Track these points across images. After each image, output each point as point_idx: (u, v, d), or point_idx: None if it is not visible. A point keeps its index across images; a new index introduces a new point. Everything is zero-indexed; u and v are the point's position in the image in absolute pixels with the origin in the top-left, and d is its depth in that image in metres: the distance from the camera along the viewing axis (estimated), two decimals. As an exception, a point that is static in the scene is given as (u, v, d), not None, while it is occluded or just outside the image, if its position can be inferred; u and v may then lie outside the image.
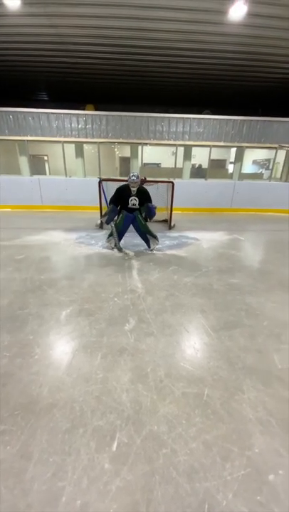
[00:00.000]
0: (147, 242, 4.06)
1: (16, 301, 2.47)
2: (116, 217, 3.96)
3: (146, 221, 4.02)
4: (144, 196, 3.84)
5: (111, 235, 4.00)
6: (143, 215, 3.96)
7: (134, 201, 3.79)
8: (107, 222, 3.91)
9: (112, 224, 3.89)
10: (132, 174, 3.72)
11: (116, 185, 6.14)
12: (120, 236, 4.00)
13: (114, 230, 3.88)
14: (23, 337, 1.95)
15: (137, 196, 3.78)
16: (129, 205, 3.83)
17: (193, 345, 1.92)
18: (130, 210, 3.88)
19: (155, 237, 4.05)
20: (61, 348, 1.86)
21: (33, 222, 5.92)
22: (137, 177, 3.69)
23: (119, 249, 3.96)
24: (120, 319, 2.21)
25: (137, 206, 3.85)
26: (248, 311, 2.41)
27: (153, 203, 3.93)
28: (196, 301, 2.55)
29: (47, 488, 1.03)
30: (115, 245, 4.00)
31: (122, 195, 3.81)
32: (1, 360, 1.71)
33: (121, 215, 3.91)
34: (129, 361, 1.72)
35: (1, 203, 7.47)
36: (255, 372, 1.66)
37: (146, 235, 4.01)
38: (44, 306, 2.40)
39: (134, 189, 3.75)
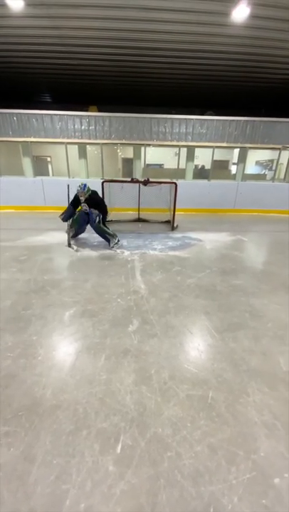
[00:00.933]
0: (108, 240, 4.37)
1: (20, 302, 2.47)
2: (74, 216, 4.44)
3: (102, 223, 4.41)
4: (92, 202, 4.34)
5: (71, 226, 4.45)
6: (97, 218, 4.36)
7: (84, 207, 4.36)
8: (64, 220, 4.36)
9: (68, 222, 4.35)
10: (78, 185, 4.24)
11: (118, 186, 6.19)
12: (78, 232, 4.62)
13: (68, 224, 4.35)
14: (27, 338, 1.95)
15: (86, 203, 4.32)
16: (82, 209, 4.44)
17: (197, 346, 1.91)
18: (84, 212, 4.44)
19: (112, 235, 4.42)
20: (64, 349, 1.85)
21: (36, 223, 5.94)
22: (83, 188, 4.21)
23: (69, 245, 4.24)
24: (123, 320, 2.20)
25: (88, 210, 4.35)
26: (251, 312, 2.39)
27: (91, 211, 4.35)
28: (200, 303, 2.54)
29: (50, 491, 1.02)
30: (71, 236, 4.43)
31: (76, 200, 4.37)
32: (5, 361, 1.71)
33: (77, 213, 4.43)
34: (132, 363, 1.72)
35: (4, 204, 7.51)
36: (260, 374, 1.64)
37: (105, 235, 4.38)
38: (47, 306, 2.40)
39: (82, 198, 4.26)
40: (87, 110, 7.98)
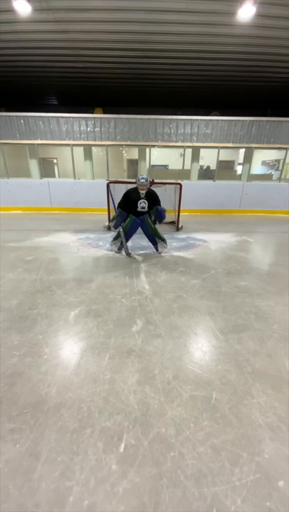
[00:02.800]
0: (155, 245, 4.01)
1: (26, 302, 2.51)
2: (123, 222, 3.88)
3: (155, 224, 3.98)
4: (153, 199, 3.78)
5: (116, 238, 3.97)
6: (152, 218, 3.89)
7: (143, 204, 3.72)
8: (116, 227, 3.85)
9: (120, 228, 3.84)
10: (140, 176, 3.64)
11: (124, 187, 6.24)
12: (127, 239, 3.93)
13: (122, 234, 3.83)
14: (33, 337, 1.98)
15: (146, 199, 3.72)
16: (138, 209, 3.75)
17: (201, 347, 1.90)
18: (139, 213, 3.81)
19: (164, 240, 4.01)
20: (69, 348, 1.87)
21: (42, 224, 6.02)
22: (146, 179, 3.62)
23: (128, 254, 3.89)
24: (128, 320, 2.22)
25: (146, 209, 3.78)
26: (257, 314, 2.37)
27: (162, 206, 3.88)
28: (204, 304, 2.53)
29: (55, 487, 1.04)
30: (119, 249, 3.97)
31: (130, 198, 3.74)
32: (11, 359, 1.74)
33: (128, 219, 3.82)
34: (136, 363, 1.72)
35: (11, 205, 7.64)
36: (264, 376, 1.63)
37: (155, 238, 3.95)
38: (53, 306, 2.43)
39: (143, 192, 3.67)
40: (92, 112, 8.07)
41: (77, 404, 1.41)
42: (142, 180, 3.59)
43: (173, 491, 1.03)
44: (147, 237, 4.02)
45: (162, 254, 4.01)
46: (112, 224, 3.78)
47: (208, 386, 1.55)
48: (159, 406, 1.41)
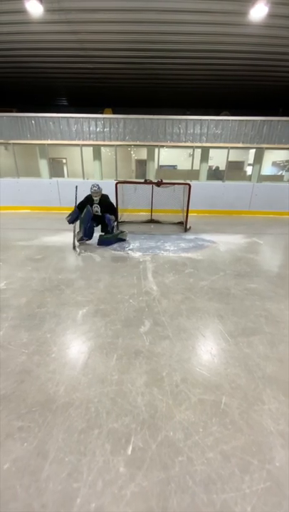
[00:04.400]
0: (122, 240, 4.60)
1: (35, 300, 2.53)
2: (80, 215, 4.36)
3: (111, 232, 4.54)
4: (105, 205, 4.43)
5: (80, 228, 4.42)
6: (114, 224, 4.52)
7: (96, 208, 4.39)
8: (70, 222, 4.30)
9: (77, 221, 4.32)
10: (92, 185, 4.31)
11: (132, 187, 6.24)
12: (87, 230, 4.38)
13: (80, 222, 4.30)
14: (41, 335, 1.99)
15: (98, 204, 4.39)
16: (93, 212, 4.40)
17: (209, 350, 1.87)
18: (96, 216, 4.43)
19: (122, 232, 4.71)
20: (77, 347, 1.88)
21: (51, 224, 6.08)
22: (98, 187, 4.29)
23: (74, 245, 4.21)
24: (135, 321, 2.20)
25: (100, 213, 4.41)
26: (267, 317, 2.32)
27: (108, 215, 4.39)
28: (213, 306, 2.49)
29: (62, 488, 1.03)
30: (79, 240, 4.39)
31: (87, 202, 4.37)
32: (20, 357, 1.75)
33: (85, 209, 4.28)
34: (144, 364, 1.71)
35: (21, 205, 7.75)
36: (275, 382, 1.59)
37: (118, 238, 4.57)
38: (61, 305, 2.44)
39: (96, 198, 4.36)
40: (102, 113, 8.09)
41: (85, 404, 1.40)
42: (94, 189, 4.30)
43: (181, 496, 1.02)
44: (114, 243, 4.49)
45: (170, 255, 3.98)
46: (67, 219, 4.29)
47: (218, 390, 1.52)
48: (167, 409, 1.39)
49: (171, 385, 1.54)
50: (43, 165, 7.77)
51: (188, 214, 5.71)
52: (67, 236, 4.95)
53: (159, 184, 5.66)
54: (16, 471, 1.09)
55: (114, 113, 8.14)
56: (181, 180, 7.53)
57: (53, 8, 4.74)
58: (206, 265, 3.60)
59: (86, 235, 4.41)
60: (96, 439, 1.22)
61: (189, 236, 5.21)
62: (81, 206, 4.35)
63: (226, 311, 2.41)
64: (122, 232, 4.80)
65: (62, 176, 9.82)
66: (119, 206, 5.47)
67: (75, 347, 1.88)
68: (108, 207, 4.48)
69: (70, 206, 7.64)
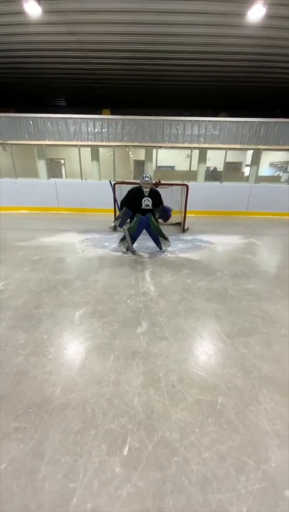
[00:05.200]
0: (158, 244, 4.09)
1: (32, 301, 2.53)
2: (129, 221, 3.96)
3: (159, 223, 4.05)
4: (157, 197, 3.90)
5: (123, 238, 4.03)
6: (156, 216, 3.98)
7: (147, 202, 3.81)
8: (120, 226, 3.92)
9: (125, 227, 3.90)
10: (145, 175, 3.77)
11: (130, 188, 6.24)
12: (134, 239, 4.01)
13: (126, 233, 3.90)
14: (38, 336, 1.99)
15: (149, 197, 3.83)
16: (143, 206, 3.85)
17: (206, 351, 1.88)
18: (143, 211, 3.89)
19: (166, 239, 4.10)
20: (74, 348, 1.88)
21: (49, 224, 6.07)
22: (150, 178, 3.74)
23: (133, 252, 3.97)
24: (133, 322, 2.21)
25: (150, 207, 3.87)
26: (264, 318, 2.33)
27: (166, 205, 3.96)
28: (210, 306, 2.50)
29: (58, 488, 1.03)
30: (128, 249, 4.01)
31: (134, 196, 3.84)
32: (17, 358, 1.75)
33: (135, 218, 3.89)
34: (141, 365, 1.71)
35: (19, 205, 7.73)
36: (272, 382, 1.60)
37: (158, 237, 4.03)
38: (58, 306, 2.44)
39: (146, 190, 3.78)
40: (100, 113, 8.10)
41: (81, 405, 1.40)
42: (147, 179, 3.72)
43: (177, 496, 1.02)
44: (151, 235, 4.07)
45: (168, 255, 3.99)
46: (116, 223, 3.87)
47: (214, 390, 1.53)
48: (164, 409, 1.39)
49: (168, 386, 1.55)
50: (41, 165, 7.76)
51: (186, 215, 5.73)
52: (65, 236, 4.95)
53: (157, 185, 5.66)
54: (12, 472, 1.09)
55: (112, 114, 8.15)
56: (179, 181, 7.57)
57: (51, 10, 4.75)
58: (204, 266, 3.62)
59: (135, 238, 4.01)
60: (92, 439, 1.22)
61: (187, 237, 5.23)
62: (130, 203, 3.80)
63: (223, 311, 2.42)
64: (167, 238, 4.09)
65: (61, 176, 9.81)
66: (117, 207, 5.47)
67: (72, 348, 1.88)
68: (159, 199, 3.91)
69: (68, 206, 7.69)
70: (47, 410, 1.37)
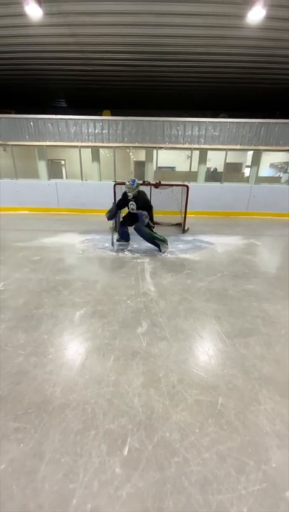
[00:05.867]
0: (158, 246, 4.18)
1: (32, 301, 2.53)
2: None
3: (150, 228, 4.19)
4: (140, 201, 4.10)
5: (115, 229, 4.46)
6: (146, 220, 4.11)
7: (132, 206, 4.12)
8: (109, 219, 4.24)
9: (112, 222, 4.34)
10: (127, 181, 4.05)
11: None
12: (123, 234, 4.40)
13: (113, 227, 4.36)
14: (38, 336, 1.99)
15: (134, 201, 4.08)
16: (130, 210, 4.20)
17: (206, 351, 1.88)
18: (131, 213, 4.21)
19: (164, 240, 4.17)
20: (74, 348, 1.88)
21: (49, 225, 6.07)
22: (133, 183, 3.98)
23: (113, 242, 4.26)
24: (133, 322, 2.21)
25: (135, 211, 4.11)
26: (264, 318, 2.33)
27: (139, 211, 4.11)
28: (210, 307, 2.50)
29: (58, 489, 1.03)
30: (118, 240, 4.33)
31: (123, 200, 4.16)
32: (17, 358, 1.75)
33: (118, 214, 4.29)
34: (141, 365, 1.71)
35: (19, 206, 7.74)
36: (272, 382, 1.60)
37: (154, 241, 4.15)
38: (59, 306, 2.44)
39: (130, 194, 4.05)
40: (100, 114, 8.12)
41: (81, 405, 1.40)
42: (128, 184, 4.02)
43: (177, 497, 1.02)
44: (147, 241, 4.21)
45: (168, 256, 3.99)
46: (107, 215, 4.22)
47: (214, 391, 1.52)
48: (164, 410, 1.39)
49: (168, 386, 1.55)
50: (42, 166, 7.77)
51: (187, 215, 5.73)
52: (65, 237, 4.96)
53: (157, 185, 5.68)
54: (12, 472, 1.09)
55: (112, 115, 8.18)
56: (179, 181, 7.57)
57: (52, 12, 4.77)
58: (204, 266, 3.61)
59: (122, 237, 4.53)
60: (92, 440, 1.22)
61: (187, 237, 5.23)
62: (119, 204, 4.21)
63: (223, 312, 2.42)
64: (164, 240, 4.18)
65: (61, 177, 9.83)
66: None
67: (72, 348, 1.88)
68: (144, 203, 4.12)
69: (69, 207, 7.70)
70: (47, 410, 1.37)
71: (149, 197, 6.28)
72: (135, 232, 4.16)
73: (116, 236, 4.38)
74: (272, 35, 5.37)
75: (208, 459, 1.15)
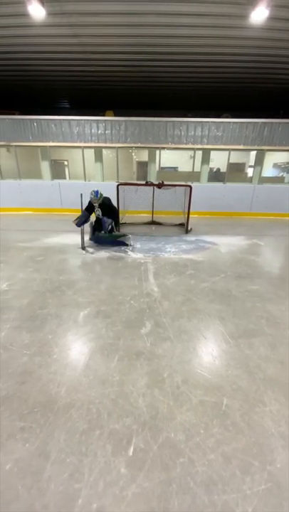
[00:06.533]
0: (123, 244, 4.52)
1: (36, 301, 2.54)
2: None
3: (110, 232, 4.62)
4: (106, 207, 4.56)
5: (93, 232, 4.68)
6: (109, 227, 4.59)
7: (98, 212, 4.54)
8: (78, 225, 4.36)
9: (81, 227, 4.38)
10: (91, 192, 4.42)
11: (133, 188, 6.25)
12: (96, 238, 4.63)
13: (82, 231, 4.38)
14: (43, 336, 2.00)
15: (99, 208, 4.52)
16: (96, 215, 4.60)
17: (210, 352, 1.87)
18: (98, 219, 4.63)
19: (124, 235, 4.72)
20: (78, 348, 1.88)
21: (52, 225, 6.10)
22: (96, 195, 4.39)
23: (82, 248, 4.32)
24: (136, 322, 2.21)
25: (101, 216, 4.54)
26: (268, 319, 2.32)
27: (104, 217, 4.55)
28: (214, 307, 2.50)
29: (63, 489, 1.04)
30: (77, 224, 4.41)
31: (90, 206, 4.52)
32: (22, 358, 1.76)
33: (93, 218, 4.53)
34: (145, 365, 1.71)
35: (23, 206, 7.79)
36: (277, 383, 1.59)
37: (118, 240, 4.55)
38: (63, 306, 2.45)
39: (95, 204, 4.45)
40: (103, 115, 8.15)
41: (86, 405, 1.41)
42: (91, 197, 4.41)
43: (182, 497, 1.02)
44: (112, 245, 4.53)
45: (171, 256, 3.99)
46: (75, 222, 4.39)
47: (219, 392, 1.52)
48: (168, 410, 1.39)
49: (172, 387, 1.55)
50: (45, 167, 7.81)
51: (190, 216, 5.72)
52: (68, 237, 4.97)
53: (160, 186, 5.68)
54: (17, 472, 1.09)
55: (115, 115, 8.20)
56: (182, 182, 7.56)
57: (55, 12, 4.79)
58: (207, 267, 3.61)
59: (96, 241, 4.72)
60: (97, 440, 1.23)
61: (190, 238, 5.22)
62: (89, 210, 4.51)
63: (227, 312, 2.41)
64: (124, 235, 4.76)
65: (64, 177, 9.86)
66: (120, 208, 5.49)
67: (77, 348, 1.89)
68: (108, 209, 4.61)
69: (72, 208, 7.72)
70: (52, 410, 1.37)
71: (152, 197, 6.34)
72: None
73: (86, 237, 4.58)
74: (275, 35, 5.35)
75: (214, 460, 1.15)
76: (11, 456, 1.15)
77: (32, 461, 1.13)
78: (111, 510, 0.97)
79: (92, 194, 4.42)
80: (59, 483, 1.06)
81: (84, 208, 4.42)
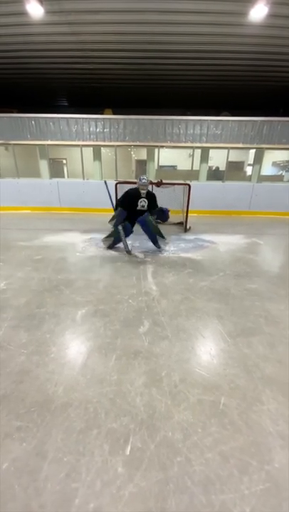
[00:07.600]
0: (156, 243, 4.20)
1: (34, 300, 2.53)
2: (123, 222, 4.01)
3: (158, 223, 4.15)
4: (152, 199, 4.02)
5: (108, 236, 4.15)
6: (154, 217, 4.09)
7: (143, 202, 3.90)
8: (116, 225, 3.99)
9: (120, 227, 3.95)
10: (142, 177, 3.87)
11: (131, 187, 6.22)
12: (116, 241, 4.13)
13: (122, 233, 3.96)
14: (40, 335, 1.99)
15: (146, 198, 3.93)
16: (138, 207, 3.93)
17: (209, 351, 1.87)
18: (137, 212, 3.95)
19: (164, 237, 4.27)
20: (76, 347, 1.88)
21: (51, 224, 6.08)
22: (147, 180, 3.86)
23: (128, 252, 4.00)
24: (135, 321, 2.20)
25: (146, 208, 3.96)
26: (267, 318, 2.32)
27: (166, 206, 4.02)
28: (212, 306, 2.49)
29: (60, 488, 1.03)
30: (109, 247, 4.15)
31: (130, 197, 3.92)
32: (19, 357, 1.75)
33: (123, 223, 3.94)
34: (143, 364, 1.71)
35: (21, 205, 7.76)
36: (275, 382, 1.59)
37: (156, 236, 4.15)
38: (61, 305, 2.44)
39: (143, 192, 3.90)
40: (102, 113, 8.11)
41: (83, 404, 1.40)
42: (144, 181, 3.83)
43: (180, 497, 1.01)
44: (149, 235, 4.16)
45: (170, 255, 3.98)
46: (111, 223, 3.94)
47: (217, 390, 1.52)
48: (166, 409, 1.39)
49: (170, 386, 1.54)
50: (43, 165, 7.78)
51: (188, 214, 5.71)
52: (67, 236, 4.96)
53: (158, 184, 5.66)
54: (14, 471, 1.09)
55: (114, 113, 8.16)
56: (181, 180, 7.54)
57: (54, 10, 4.75)
58: (206, 265, 3.60)
59: (127, 235, 4.11)
60: (95, 439, 1.22)
61: (189, 236, 5.21)
62: (125, 204, 3.89)
63: (225, 311, 2.41)
64: (164, 237, 4.26)
65: (63, 176, 9.83)
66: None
67: (74, 347, 1.88)
68: (154, 201, 4.05)
69: (70, 206, 7.70)
70: (49, 409, 1.37)
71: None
72: (138, 232, 4.13)
73: (106, 243, 4.22)
74: (274, 32, 5.33)
75: (211, 459, 1.14)
76: (8, 455, 1.15)
77: (29, 461, 1.13)
78: (108, 510, 0.97)
79: (143, 179, 3.77)
80: (56, 482, 1.05)
81: (115, 200, 3.88)
